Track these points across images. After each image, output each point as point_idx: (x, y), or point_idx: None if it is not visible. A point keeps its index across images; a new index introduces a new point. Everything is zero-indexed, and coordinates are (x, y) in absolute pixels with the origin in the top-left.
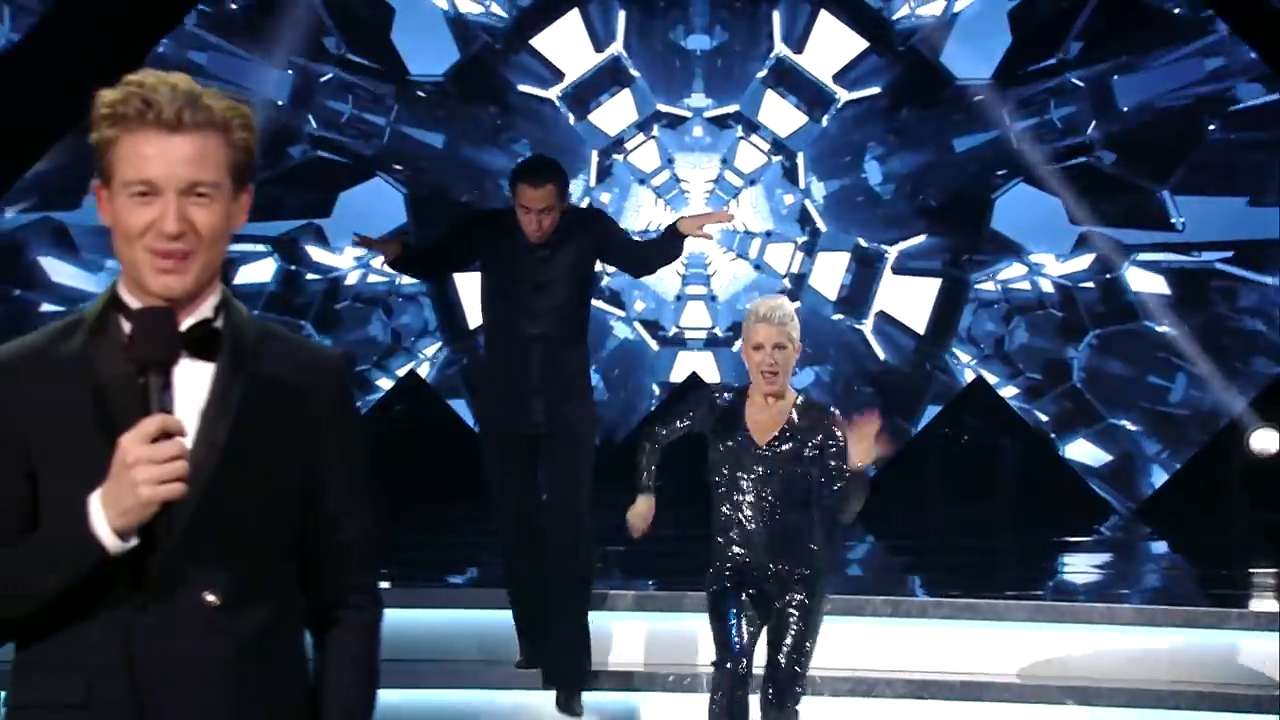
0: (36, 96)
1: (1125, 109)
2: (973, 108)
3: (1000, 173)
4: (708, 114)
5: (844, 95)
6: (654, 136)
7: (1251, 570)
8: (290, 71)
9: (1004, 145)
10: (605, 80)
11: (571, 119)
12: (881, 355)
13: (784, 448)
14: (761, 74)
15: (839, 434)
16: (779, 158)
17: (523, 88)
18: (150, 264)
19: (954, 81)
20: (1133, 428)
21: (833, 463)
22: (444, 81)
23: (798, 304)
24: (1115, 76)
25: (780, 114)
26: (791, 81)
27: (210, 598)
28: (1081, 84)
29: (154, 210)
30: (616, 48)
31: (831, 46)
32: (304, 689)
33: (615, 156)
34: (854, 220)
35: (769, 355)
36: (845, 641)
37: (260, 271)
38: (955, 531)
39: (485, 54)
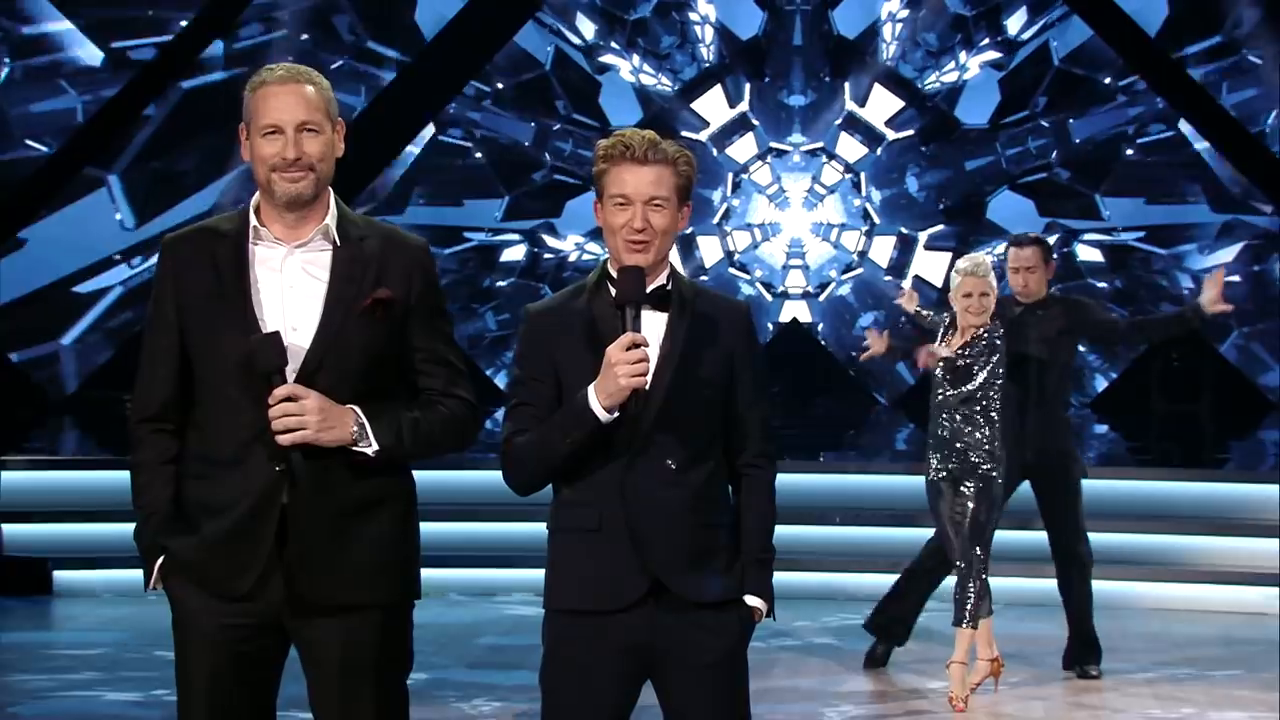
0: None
1: (1077, 141)
2: (977, 141)
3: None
4: (803, 148)
5: (890, 135)
6: (768, 163)
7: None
8: (532, 124)
9: (997, 166)
10: (736, 127)
11: (714, 152)
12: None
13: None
14: (837, 121)
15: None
16: (849, 175)
17: (683, 133)
18: (625, 247)
19: (962, 126)
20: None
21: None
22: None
23: (860, 271)
24: (1070, 120)
25: (850, 148)
26: (857, 127)
27: (670, 463)
28: (1047, 125)
29: (627, 215)
30: (744, 106)
31: (883, 105)
32: (731, 519)
33: (742, 175)
34: (899, 216)
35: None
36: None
37: (515, 253)
38: None
39: (659, 111)
